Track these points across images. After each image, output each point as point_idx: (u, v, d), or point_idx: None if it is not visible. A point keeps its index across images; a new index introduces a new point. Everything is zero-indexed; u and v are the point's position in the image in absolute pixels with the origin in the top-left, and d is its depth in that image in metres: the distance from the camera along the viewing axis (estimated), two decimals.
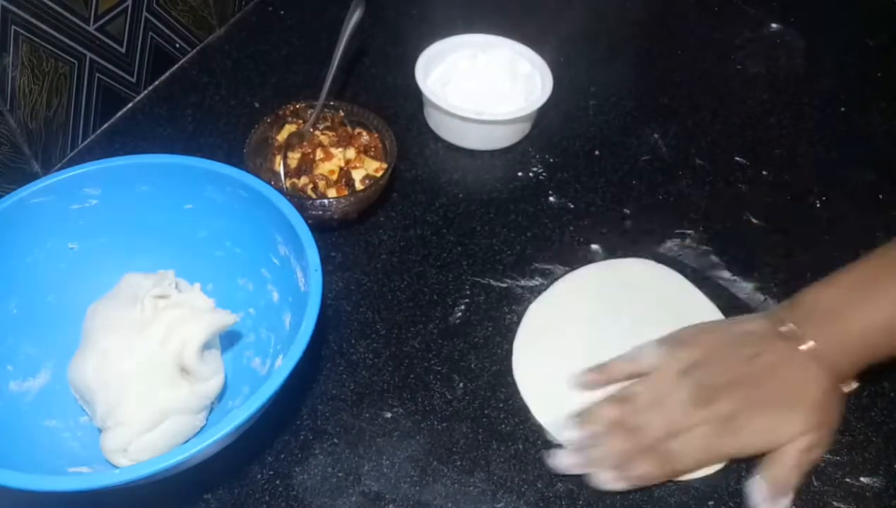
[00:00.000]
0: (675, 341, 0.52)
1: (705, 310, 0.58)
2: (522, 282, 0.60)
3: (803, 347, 0.49)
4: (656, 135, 0.73)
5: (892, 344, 0.49)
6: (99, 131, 0.69)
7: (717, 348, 0.51)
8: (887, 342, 0.49)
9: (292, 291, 0.50)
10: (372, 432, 0.51)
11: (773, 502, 0.47)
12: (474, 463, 0.50)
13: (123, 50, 0.68)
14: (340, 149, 0.64)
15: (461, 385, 0.53)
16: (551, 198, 0.66)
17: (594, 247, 0.63)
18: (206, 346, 0.48)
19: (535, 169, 0.69)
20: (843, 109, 0.78)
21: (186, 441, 0.47)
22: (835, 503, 0.49)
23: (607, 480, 0.48)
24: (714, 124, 0.75)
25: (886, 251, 0.52)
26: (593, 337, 0.56)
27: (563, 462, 0.49)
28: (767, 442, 0.49)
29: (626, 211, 0.66)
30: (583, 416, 0.50)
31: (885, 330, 0.49)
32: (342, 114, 0.67)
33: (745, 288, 0.60)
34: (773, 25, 0.88)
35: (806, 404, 0.49)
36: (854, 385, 0.53)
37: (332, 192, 0.61)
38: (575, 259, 0.62)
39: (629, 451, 0.48)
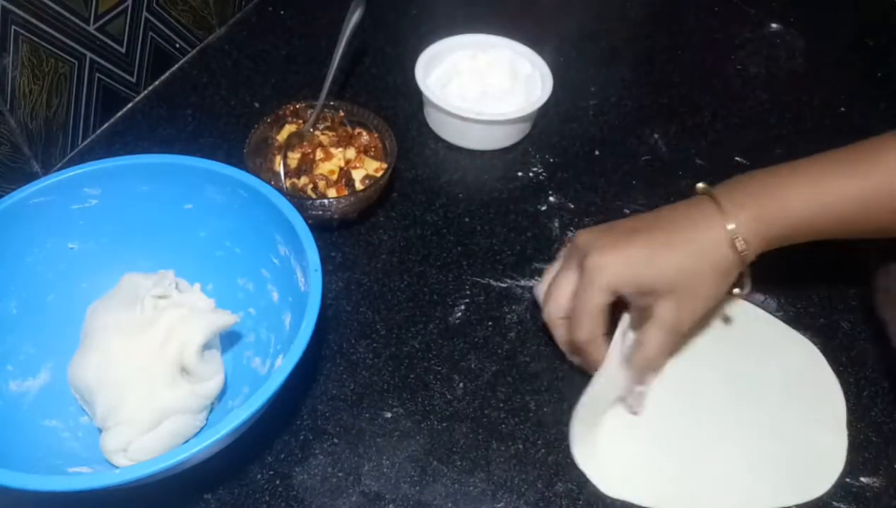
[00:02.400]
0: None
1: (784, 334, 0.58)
2: (522, 282, 0.60)
3: (730, 226, 0.49)
4: (656, 135, 0.73)
5: (813, 226, 0.50)
6: (99, 131, 0.69)
7: None
8: (808, 224, 0.50)
9: (292, 291, 0.50)
10: (372, 432, 0.51)
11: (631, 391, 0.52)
12: (474, 463, 0.50)
13: (123, 50, 0.68)
14: (340, 149, 0.64)
15: (461, 385, 0.53)
16: (551, 198, 0.67)
17: None
18: (206, 346, 0.48)
19: (535, 169, 0.69)
20: (842, 109, 0.78)
21: (186, 441, 0.47)
22: (835, 503, 0.49)
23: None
24: (714, 124, 0.75)
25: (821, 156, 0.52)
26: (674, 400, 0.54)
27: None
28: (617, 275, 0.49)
29: (626, 211, 0.66)
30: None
31: (805, 211, 0.49)
32: (342, 114, 0.67)
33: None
34: (773, 25, 0.88)
35: (685, 248, 0.49)
36: (746, 289, 0.52)
37: (332, 192, 0.61)
38: None
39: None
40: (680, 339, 0.53)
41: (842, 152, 0.51)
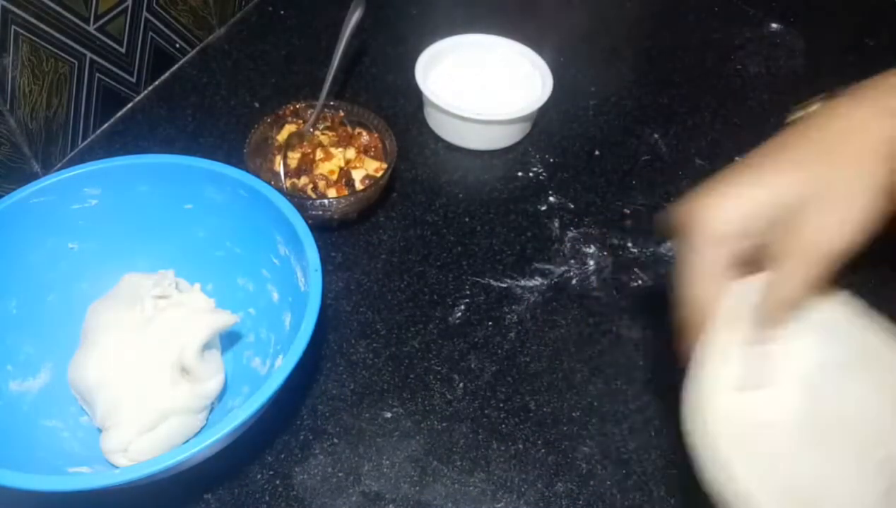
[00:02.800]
0: None
1: None
2: (522, 282, 0.60)
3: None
4: (656, 135, 0.73)
5: None
6: (99, 131, 0.69)
7: None
8: None
9: (292, 291, 0.50)
10: (372, 432, 0.51)
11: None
12: (474, 463, 0.50)
13: (123, 50, 0.68)
14: (340, 149, 0.64)
15: (461, 385, 0.53)
16: (551, 198, 0.67)
17: (594, 247, 0.63)
18: (207, 346, 0.48)
19: (535, 169, 0.69)
20: None
21: (186, 441, 0.47)
22: None
23: None
24: (714, 124, 0.75)
25: None
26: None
27: None
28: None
29: (626, 211, 0.66)
30: None
31: None
32: (342, 114, 0.67)
33: None
34: (773, 25, 0.88)
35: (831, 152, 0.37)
36: None
37: (332, 192, 0.61)
38: (575, 259, 0.62)
39: None
40: (826, 267, 0.38)
41: None
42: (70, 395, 0.49)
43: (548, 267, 0.61)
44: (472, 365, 0.55)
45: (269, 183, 0.51)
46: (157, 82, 0.74)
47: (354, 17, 0.68)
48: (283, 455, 0.49)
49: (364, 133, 0.66)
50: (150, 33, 0.71)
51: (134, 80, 0.71)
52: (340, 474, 0.49)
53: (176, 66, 0.76)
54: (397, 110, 0.74)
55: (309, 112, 0.66)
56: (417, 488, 0.48)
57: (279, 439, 0.50)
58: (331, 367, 0.54)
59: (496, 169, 0.69)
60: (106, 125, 0.70)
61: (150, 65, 0.72)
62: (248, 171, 0.52)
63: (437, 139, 0.71)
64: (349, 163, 0.63)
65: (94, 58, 0.65)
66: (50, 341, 0.50)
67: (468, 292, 0.59)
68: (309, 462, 0.49)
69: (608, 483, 0.49)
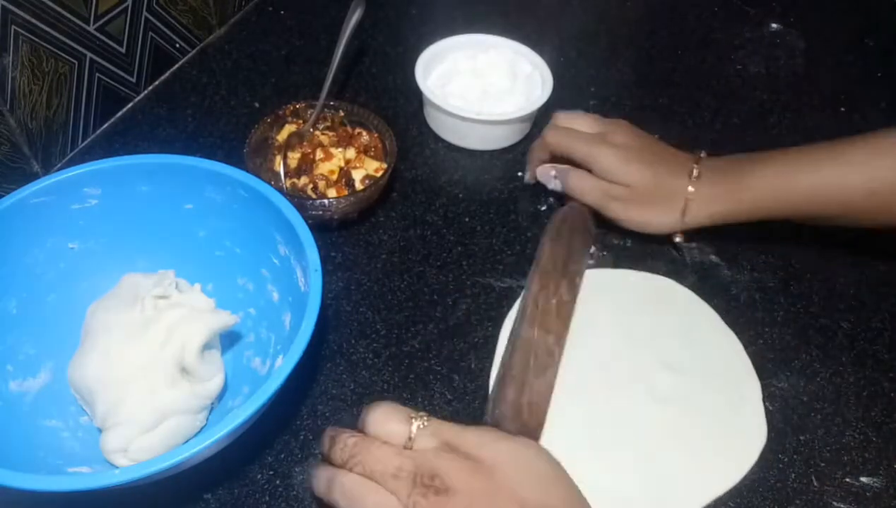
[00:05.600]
0: None
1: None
2: (523, 282, 0.60)
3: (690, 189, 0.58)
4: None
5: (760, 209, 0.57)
6: (99, 131, 0.69)
7: None
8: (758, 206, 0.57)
9: (292, 291, 0.50)
10: None
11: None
12: None
13: (123, 50, 0.68)
14: (340, 149, 0.64)
15: (461, 385, 0.53)
16: (551, 198, 0.66)
17: (593, 247, 0.63)
18: (207, 346, 0.48)
19: None
20: (843, 109, 0.78)
21: (186, 441, 0.47)
22: (835, 503, 0.49)
23: None
24: (714, 124, 0.75)
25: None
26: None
27: None
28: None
29: None
30: None
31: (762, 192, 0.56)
32: (342, 114, 0.67)
33: (744, 288, 0.60)
34: (773, 25, 0.88)
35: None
36: (678, 238, 0.61)
37: (332, 192, 0.61)
38: None
39: None
40: (599, 191, 0.60)
41: (817, 147, 0.56)
42: (70, 395, 0.49)
43: None
44: (472, 365, 0.54)
45: (269, 183, 0.51)
46: (157, 82, 0.74)
47: (354, 17, 0.68)
48: (283, 455, 0.49)
49: (364, 133, 0.66)
50: (150, 33, 0.71)
51: (134, 80, 0.71)
52: None
53: (176, 66, 0.76)
54: (397, 110, 0.74)
55: (309, 112, 0.66)
56: None
57: (279, 439, 0.50)
58: (331, 367, 0.54)
59: (496, 169, 0.69)
60: (106, 125, 0.70)
61: (150, 65, 0.72)
62: (248, 171, 0.52)
63: (437, 139, 0.71)
64: (349, 163, 0.63)
65: (94, 58, 0.65)
66: (50, 341, 0.50)
67: (468, 292, 0.59)
68: (309, 462, 0.49)
69: None
